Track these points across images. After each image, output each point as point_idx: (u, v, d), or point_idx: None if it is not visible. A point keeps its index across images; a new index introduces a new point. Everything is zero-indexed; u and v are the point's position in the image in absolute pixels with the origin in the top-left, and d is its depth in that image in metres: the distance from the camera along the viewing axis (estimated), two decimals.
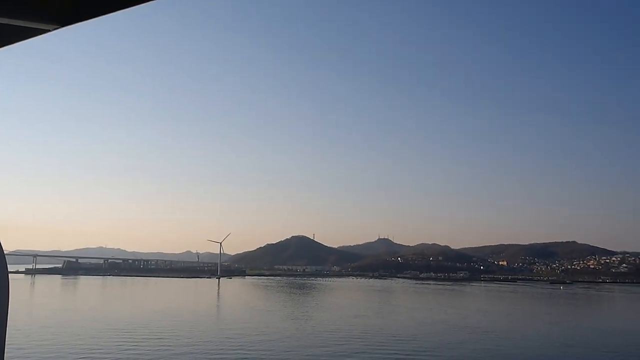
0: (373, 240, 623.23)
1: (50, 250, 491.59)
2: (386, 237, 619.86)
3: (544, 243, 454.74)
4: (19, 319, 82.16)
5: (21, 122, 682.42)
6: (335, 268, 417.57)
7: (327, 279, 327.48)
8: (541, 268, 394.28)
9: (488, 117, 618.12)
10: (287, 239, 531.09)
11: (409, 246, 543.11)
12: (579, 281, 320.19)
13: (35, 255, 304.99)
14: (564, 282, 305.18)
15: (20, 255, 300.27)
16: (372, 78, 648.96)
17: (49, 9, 2.37)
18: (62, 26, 2.47)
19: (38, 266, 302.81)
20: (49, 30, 2.49)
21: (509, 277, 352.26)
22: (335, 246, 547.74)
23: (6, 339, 1.98)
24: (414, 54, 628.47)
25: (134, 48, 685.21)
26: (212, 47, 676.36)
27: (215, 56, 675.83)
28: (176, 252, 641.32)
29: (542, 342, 74.21)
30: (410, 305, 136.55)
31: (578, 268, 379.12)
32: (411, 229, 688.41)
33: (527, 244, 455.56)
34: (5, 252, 2.03)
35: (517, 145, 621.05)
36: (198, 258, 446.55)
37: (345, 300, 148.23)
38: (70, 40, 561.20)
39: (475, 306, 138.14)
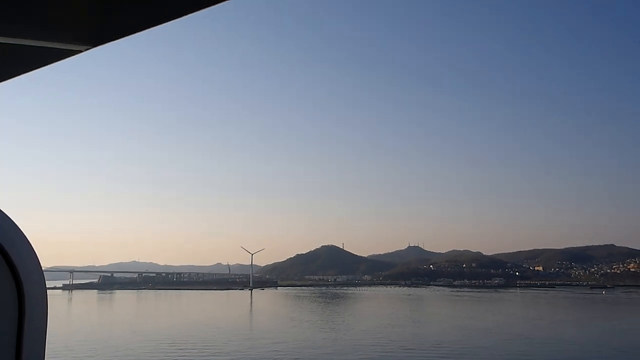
0: (403, 248, 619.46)
1: (85, 265, 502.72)
2: (416, 245, 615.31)
3: (580, 247, 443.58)
4: (60, 333, 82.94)
5: (56, 138, 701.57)
6: (367, 277, 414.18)
7: (359, 288, 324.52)
8: (579, 273, 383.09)
9: (510, 119, 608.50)
10: (316, 248, 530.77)
11: (440, 253, 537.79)
12: (620, 285, 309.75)
13: (72, 271, 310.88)
14: (604, 287, 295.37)
15: (57, 272, 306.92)
16: (384, 83, 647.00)
17: (81, 31, 2.47)
18: (94, 46, 2.55)
19: (74, 281, 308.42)
20: (81, 51, 2.57)
21: (547, 282, 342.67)
22: (365, 255, 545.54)
23: (46, 353, 1.98)
24: (429, 58, 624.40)
25: (161, 62, 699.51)
26: (231, 57, 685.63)
27: (234, 66, 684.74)
28: (207, 265, 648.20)
29: (593, 348, 71.34)
30: (448, 313, 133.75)
31: (618, 272, 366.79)
32: (441, 235, 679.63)
33: (562, 248, 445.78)
34: (43, 268, 2.07)
35: (547, 148, 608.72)
36: (229, 270, 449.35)
37: (381, 310, 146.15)
38: (102, 56, 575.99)
39: (517, 313, 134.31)
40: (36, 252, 2.00)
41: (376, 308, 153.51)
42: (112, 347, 72.61)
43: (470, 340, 79.84)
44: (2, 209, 1.93)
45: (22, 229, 1.96)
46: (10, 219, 1.95)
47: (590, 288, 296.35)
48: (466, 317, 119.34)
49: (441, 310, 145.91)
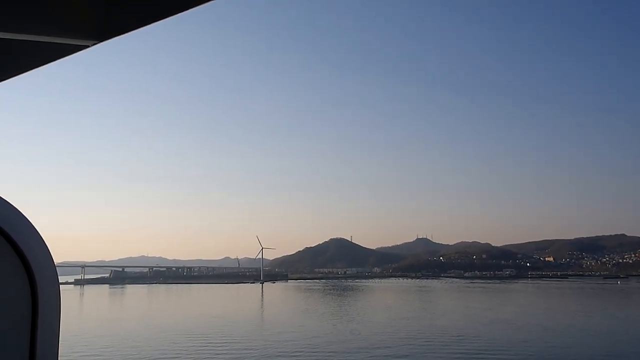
0: (411, 240, 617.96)
1: (95, 260, 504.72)
2: (424, 237, 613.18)
3: (590, 237, 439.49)
4: (75, 329, 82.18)
5: (65, 133, 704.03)
6: (376, 269, 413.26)
7: (370, 280, 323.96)
8: (591, 263, 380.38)
9: (518, 113, 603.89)
10: (325, 241, 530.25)
11: (448, 245, 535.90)
12: (634, 275, 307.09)
13: (83, 266, 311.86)
14: (618, 277, 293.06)
15: (68, 267, 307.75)
16: (391, 79, 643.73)
17: (88, 26, 2.45)
18: (101, 41, 2.53)
19: (86, 276, 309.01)
20: (87, 46, 2.56)
21: (558, 273, 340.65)
22: (373, 247, 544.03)
23: (59, 347, 2.01)
24: (438, 55, 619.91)
25: (168, 60, 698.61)
26: (239, 54, 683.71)
27: (241, 64, 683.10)
28: (215, 259, 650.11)
29: (617, 338, 70.08)
30: (463, 305, 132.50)
31: (630, 262, 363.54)
32: (449, 227, 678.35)
33: (572, 238, 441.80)
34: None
35: (556, 139, 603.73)
36: (239, 264, 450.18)
37: (395, 302, 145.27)
38: (109, 53, 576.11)
39: (533, 304, 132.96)
40: (49, 248, 2.02)
41: (390, 300, 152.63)
42: (130, 342, 71.82)
43: (490, 331, 78.86)
44: (15, 206, 1.94)
45: (35, 225, 1.99)
46: (23, 215, 1.96)
47: (604, 278, 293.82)
48: (483, 309, 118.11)
49: (456, 302, 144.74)
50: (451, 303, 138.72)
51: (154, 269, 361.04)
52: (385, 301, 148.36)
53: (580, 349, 61.70)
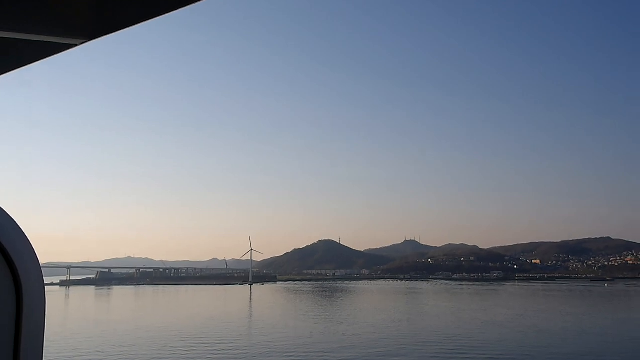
0: (399, 242, 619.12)
1: (81, 261, 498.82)
2: (412, 239, 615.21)
3: (576, 240, 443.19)
4: (63, 332, 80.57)
5: (50, 134, 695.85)
6: (365, 271, 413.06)
7: (359, 282, 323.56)
8: (577, 265, 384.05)
9: (505, 114, 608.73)
10: (314, 243, 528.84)
11: (436, 247, 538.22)
12: (620, 278, 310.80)
13: (69, 267, 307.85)
14: (605, 279, 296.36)
15: (53, 268, 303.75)
16: (380, 78, 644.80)
17: (76, 24, 2.42)
18: (88, 40, 2.50)
19: (71, 278, 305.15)
20: (76, 45, 2.52)
21: (545, 275, 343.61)
22: (362, 249, 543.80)
23: (44, 350, 1.99)
24: (424, 53, 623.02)
25: (151, 59, 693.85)
26: (224, 54, 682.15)
27: (227, 63, 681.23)
28: (203, 260, 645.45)
29: (609, 339, 70.37)
30: (454, 306, 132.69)
31: (616, 264, 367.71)
32: (437, 229, 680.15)
33: (559, 241, 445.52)
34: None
35: (542, 141, 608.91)
36: (226, 265, 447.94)
37: (386, 303, 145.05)
38: (92, 53, 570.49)
39: (523, 306, 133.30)
40: (34, 249, 1.99)
41: (381, 302, 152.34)
42: (117, 344, 70.51)
43: (481, 331, 78.97)
44: (0, 206, 1.91)
45: (20, 226, 1.96)
46: (9, 215, 1.93)
47: (591, 281, 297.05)
48: (474, 310, 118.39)
49: (446, 303, 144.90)
50: (442, 305, 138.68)
51: (141, 270, 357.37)
52: (376, 303, 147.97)
53: (574, 350, 61.74)
